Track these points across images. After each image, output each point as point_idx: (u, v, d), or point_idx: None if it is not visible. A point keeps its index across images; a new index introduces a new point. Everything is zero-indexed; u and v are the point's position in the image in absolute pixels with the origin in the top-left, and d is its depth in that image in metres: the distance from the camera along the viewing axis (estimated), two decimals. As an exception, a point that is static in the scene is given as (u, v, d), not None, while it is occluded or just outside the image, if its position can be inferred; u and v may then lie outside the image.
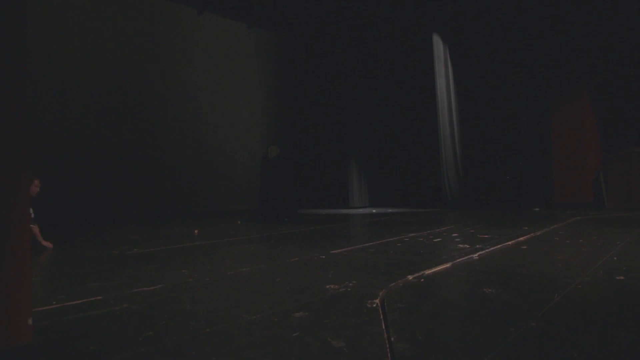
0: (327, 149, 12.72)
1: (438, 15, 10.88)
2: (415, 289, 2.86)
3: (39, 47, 8.22)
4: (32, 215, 4.68)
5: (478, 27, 10.83)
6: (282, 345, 1.86)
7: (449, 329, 2.19)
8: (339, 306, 2.42)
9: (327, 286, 2.87)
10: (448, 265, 3.54)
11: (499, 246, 4.39)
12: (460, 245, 4.51)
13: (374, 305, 2.41)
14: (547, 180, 10.23)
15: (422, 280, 3.09)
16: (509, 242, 4.63)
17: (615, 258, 3.70)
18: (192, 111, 10.82)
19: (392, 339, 1.91)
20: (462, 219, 7.63)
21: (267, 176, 8.24)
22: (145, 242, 5.34)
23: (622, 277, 3.00)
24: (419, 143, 12.21)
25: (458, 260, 3.72)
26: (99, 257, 4.34)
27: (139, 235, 6.16)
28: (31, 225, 4.56)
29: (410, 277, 3.10)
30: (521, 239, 4.90)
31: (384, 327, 2.07)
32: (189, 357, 1.77)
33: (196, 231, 6.38)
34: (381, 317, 2.22)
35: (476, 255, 3.95)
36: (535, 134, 10.35)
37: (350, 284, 2.91)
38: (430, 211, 9.67)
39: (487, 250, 4.16)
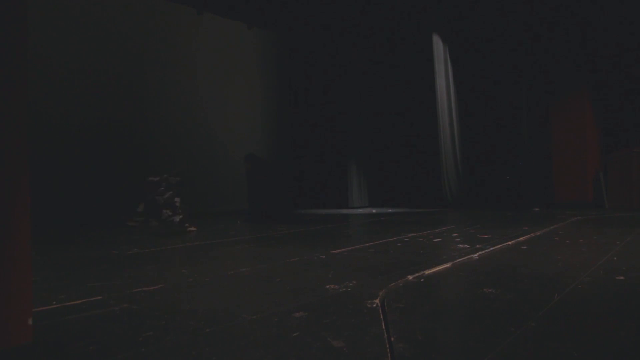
0: (327, 149, 12.71)
1: (438, 15, 10.88)
2: (415, 289, 2.86)
3: (37, 48, 8.22)
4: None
5: (478, 27, 10.83)
6: (282, 345, 1.86)
7: (449, 329, 2.19)
8: (339, 306, 2.42)
9: (327, 286, 2.87)
10: (448, 265, 3.54)
11: (499, 246, 4.39)
12: (460, 245, 4.51)
13: (374, 305, 2.41)
14: (547, 180, 10.22)
15: (422, 280, 3.09)
16: (509, 242, 4.63)
17: (615, 258, 3.70)
18: (192, 111, 10.82)
19: (392, 339, 1.91)
20: (462, 219, 7.63)
21: (252, 181, 8.51)
22: (145, 242, 5.34)
23: (622, 277, 3.00)
24: (418, 143, 12.20)
25: (458, 260, 3.72)
26: (99, 257, 4.34)
27: (139, 235, 6.16)
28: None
29: (410, 277, 3.10)
30: (521, 239, 4.90)
31: (384, 327, 2.07)
32: (189, 357, 1.77)
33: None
34: (381, 317, 2.22)
35: (476, 255, 3.95)
36: (535, 134, 10.35)
37: (350, 284, 2.91)
38: (430, 211, 9.66)
39: (487, 250, 4.16)
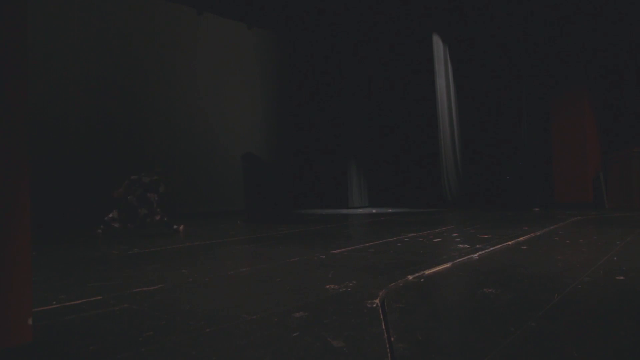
0: (327, 149, 12.71)
1: (438, 15, 10.88)
2: (415, 289, 2.86)
3: (37, 48, 8.22)
4: None
5: (478, 27, 10.83)
6: (282, 345, 1.86)
7: (449, 329, 2.19)
8: (339, 306, 2.42)
9: (327, 286, 2.87)
10: (448, 265, 3.54)
11: (499, 246, 4.39)
12: (460, 245, 4.51)
13: (374, 305, 2.41)
14: (547, 180, 10.22)
15: (422, 280, 3.08)
16: (509, 242, 4.63)
17: (615, 258, 3.70)
18: (192, 111, 10.82)
19: (392, 339, 1.91)
20: (462, 219, 7.63)
21: (249, 180, 8.50)
22: (145, 242, 5.34)
23: (622, 277, 3.00)
24: (418, 143, 12.21)
25: (458, 260, 3.72)
26: (99, 257, 4.34)
27: (139, 235, 6.16)
28: None
29: (410, 277, 3.10)
30: (521, 239, 4.90)
31: (384, 327, 2.07)
32: (189, 357, 1.76)
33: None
34: (381, 317, 2.22)
35: (476, 255, 3.95)
36: (535, 134, 10.35)
37: (350, 284, 2.91)
38: (430, 211, 9.66)
39: (487, 250, 4.15)
